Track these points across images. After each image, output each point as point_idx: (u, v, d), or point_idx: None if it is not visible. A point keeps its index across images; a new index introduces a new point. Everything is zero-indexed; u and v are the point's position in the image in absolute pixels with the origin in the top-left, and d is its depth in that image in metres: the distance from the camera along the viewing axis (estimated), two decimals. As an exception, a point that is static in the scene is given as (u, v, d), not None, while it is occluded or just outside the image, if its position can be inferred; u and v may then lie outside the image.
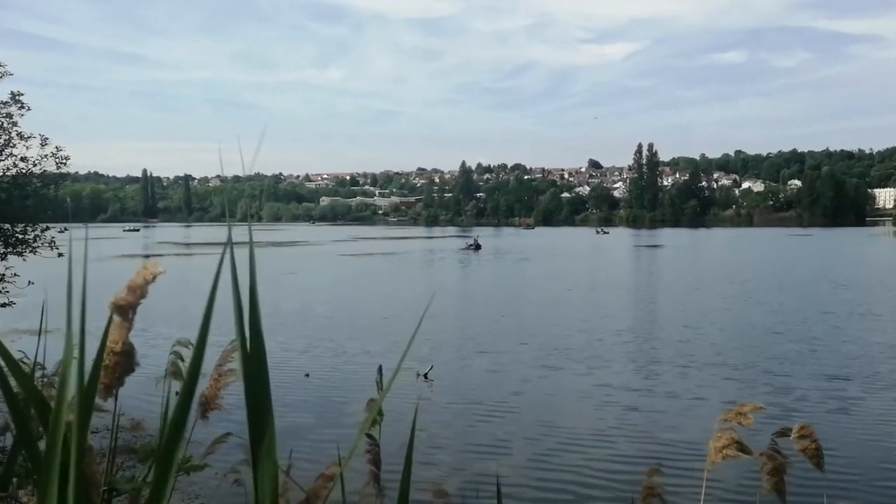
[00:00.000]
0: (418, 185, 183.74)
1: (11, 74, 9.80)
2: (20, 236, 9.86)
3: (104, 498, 1.52)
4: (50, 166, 9.99)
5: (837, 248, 52.94)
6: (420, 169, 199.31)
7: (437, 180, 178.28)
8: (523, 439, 9.00)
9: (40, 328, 1.60)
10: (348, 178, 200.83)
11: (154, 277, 0.87)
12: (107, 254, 42.11)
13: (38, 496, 0.75)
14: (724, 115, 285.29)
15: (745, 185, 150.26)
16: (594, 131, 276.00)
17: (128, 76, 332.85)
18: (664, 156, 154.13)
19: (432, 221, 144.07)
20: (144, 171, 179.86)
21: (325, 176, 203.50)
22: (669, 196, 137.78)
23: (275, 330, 15.91)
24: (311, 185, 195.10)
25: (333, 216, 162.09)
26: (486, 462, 8.11)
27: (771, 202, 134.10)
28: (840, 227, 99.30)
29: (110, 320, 0.86)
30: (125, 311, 0.86)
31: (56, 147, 10.00)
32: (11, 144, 9.78)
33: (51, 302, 1.56)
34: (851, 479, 7.52)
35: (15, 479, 1.65)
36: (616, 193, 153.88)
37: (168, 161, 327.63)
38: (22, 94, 9.72)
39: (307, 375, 12.35)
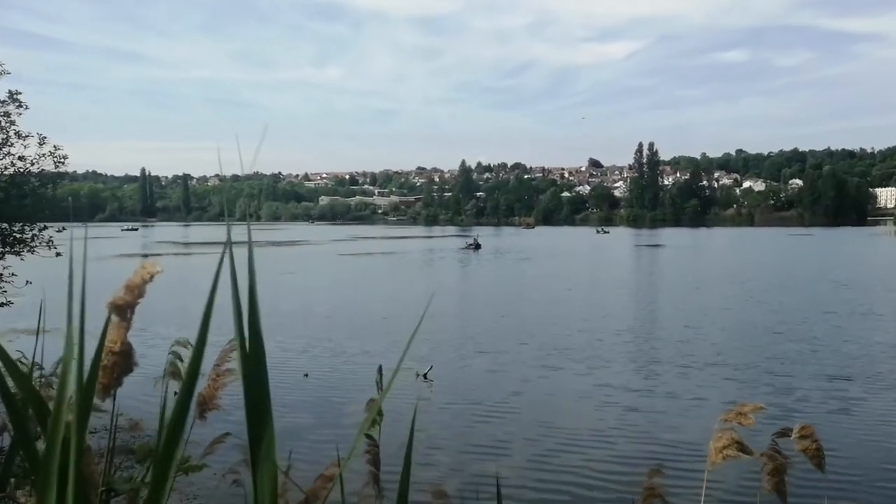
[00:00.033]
0: (418, 184, 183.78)
1: (9, 73, 9.78)
2: (18, 236, 9.83)
3: (102, 498, 1.52)
4: (48, 165, 9.98)
5: (839, 248, 52.89)
6: (420, 168, 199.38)
7: (436, 179, 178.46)
8: (523, 440, 8.97)
9: (38, 328, 1.58)
10: (347, 177, 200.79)
11: (152, 277, 0.87)
12: (105, 253, 42.10)
13: (37, 496, 0.75)
14: (726, 115, 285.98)
15: (746, 184, 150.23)
16: (594, 131, 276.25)
17: (126, 75, 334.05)
18: (665, 155, 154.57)
19: (432, 221, 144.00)
20: (143, 170, 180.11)
21: (325, 175, 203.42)
22: (670, 195, 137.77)
23: (274, 330, 15.87)
24: (310, 185, 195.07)
25: (332, 215, 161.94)
26: (485, 462, 8.07)
27: (772, 202, 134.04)
28: (841, 226, 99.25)
29: (108, 320, 0.86)
30: (123, 310, 0.86)
31: (54, 146, 9.99)
32: (9, 143, 9.76)
33: (49, 302, 1.58)
34: (853, 480, 7.49)
35: (13, 480, 1.64)
36: (616, 193, 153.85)
37: (166, 160, 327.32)
38: (20, 93, 9.69)
39: (306, 376, 12.32)
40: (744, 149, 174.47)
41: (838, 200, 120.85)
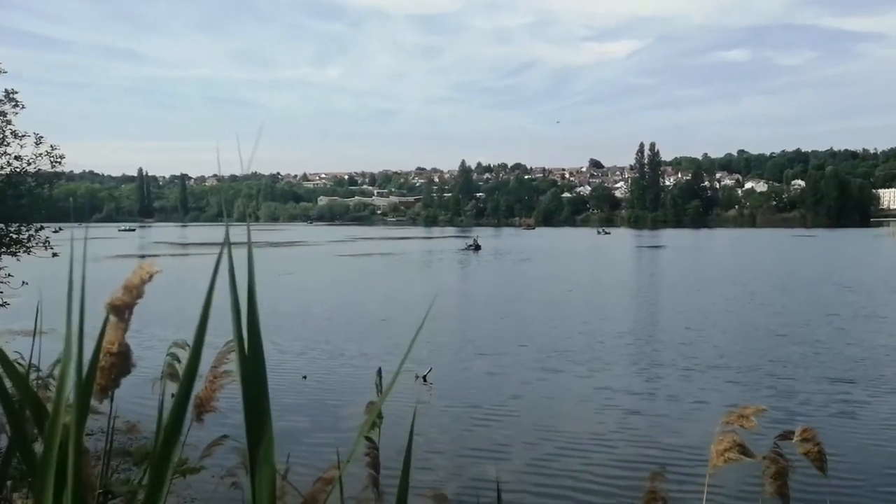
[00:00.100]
0: (417, 184, 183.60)
1: (5, 72, 9.73)
2: (14, 236, 9.77)
3: (99, 501, 1.51)
4: (44, 165, 9.93)
5: (841, 249, 52.77)
6: (419, 168, 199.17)
7: (436, 180, 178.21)
8: (523, 443, 8.91)
9: (35, 329, 1.56)
10: (346, 177, 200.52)
11: (150, 277, 0.87)
12: (102, 254, 42.08)
13: (34, 499, 0.74)
14: (727, 114, 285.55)
15: (748, 185, 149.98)
16: (595, 131, 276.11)
17: (125, 73, 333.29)
18: (666, 155, 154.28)
19: (431, 221, 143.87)
20: (140, 170, 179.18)
21: (323, 175, 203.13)
22: (671, 196, 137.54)
23: (272, 331, 15.79)
24: (309, 185, 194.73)
25: (331, 216, 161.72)
26: (485, 466, 8.01)
27: (774, 202, 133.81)
28: (844, 227, 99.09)
29: (106, 321, 0.85)
30: (121, 311, 0.85)
31: (51, 146, 9.94)
32: (5, 143, 9.70)
33: (46, 302, 1.56)
34: (856, 484, 7.43)
35: (9, 482, 1.61)
36: (617, 193, 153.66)
37: (164, 160, 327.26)
38: (16, 92, 9.64)
39: (305, 378, 12.25)
40: (746, 149, 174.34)
41: (841, 201, 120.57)
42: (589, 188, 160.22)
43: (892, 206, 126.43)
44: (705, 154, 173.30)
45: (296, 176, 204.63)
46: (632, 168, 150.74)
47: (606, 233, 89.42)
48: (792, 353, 14.22)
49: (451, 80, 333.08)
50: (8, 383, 0.84)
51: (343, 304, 22.57)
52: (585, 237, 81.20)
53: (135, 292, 0.85)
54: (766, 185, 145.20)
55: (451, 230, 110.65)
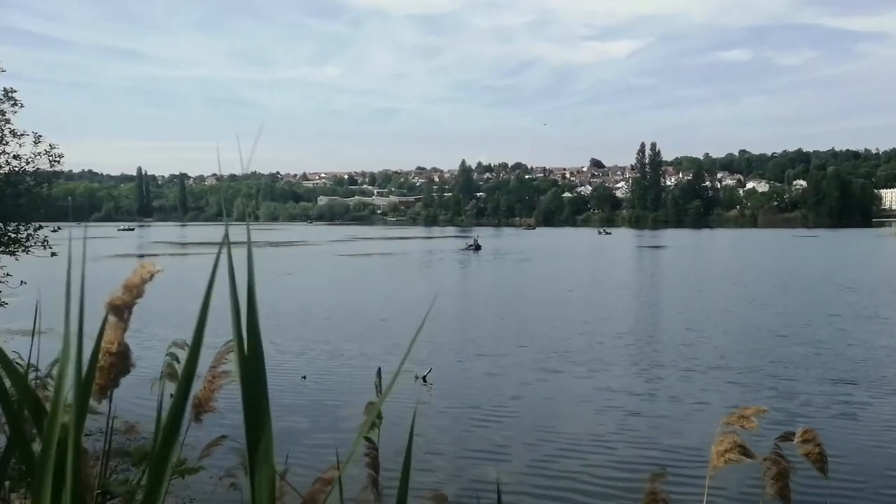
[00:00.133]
0: (417, 184, 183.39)
1: (4, 71, 9.70)
2: (13, 235, 9.74)
3: (98, 501, 1.51)
4: (43, 164, 9.89)
5: (843, 250, 52.70)
6: (419, 168, 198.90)
7: (436, 179, 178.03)
8: (523, 444, 8.88)
9: (34, 328, 1.55)
10: (346, 177, 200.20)
11: (152, 276, 0.86)
12: (101, 253, 42.09)
13: (32, 499, 0.74)
14: (728, 114, 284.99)
15: (750, 185, 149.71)
16: (596, 130, 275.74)
17: (125, 73, 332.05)
18: (667, 155, 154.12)
19: (431, 221, 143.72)
20: (139, 169, 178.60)
21: (323, 175, 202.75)
22: (672, 196, 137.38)
23: (271, 331, 15.75)
24: (309, 185, 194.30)
25: (331, 216, 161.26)
26: (485, 467, 7.98)
27: (775, 202, 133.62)
28: (846, 227, 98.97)
29: (105, 320, 0.84)
30: (121, 311, 0.85)
31: (50, 145, 9.90)
32: (4, 142, 9.67)
33: (45, 302, 1.55)
34: (857, 486, 7.40)
35: (7, 482, 1.59)
36: (618, 193, 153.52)
37: (163, 159, 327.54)
38: (15, 91, 9.61)
39: (304, 378, 12.22)
40: (747, 149, 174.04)
41: (843, 201, 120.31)
42: (590, 188, 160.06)
43: (893, 207, 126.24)
44: (706, 154, 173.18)
45: (295, 175, 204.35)
46: (633, 168, 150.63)
47: (607, 233, 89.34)
48: (793, 354, 14.17)
49: (451, 80, 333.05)
50: (7, 383, 0.83)
51: (343, 304, 22.54)
52: (586, 237, 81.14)
53: (135, 291, 0.84)
54: (767, 186, 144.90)
55: (451, 230, 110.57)
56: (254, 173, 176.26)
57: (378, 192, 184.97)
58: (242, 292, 0.72)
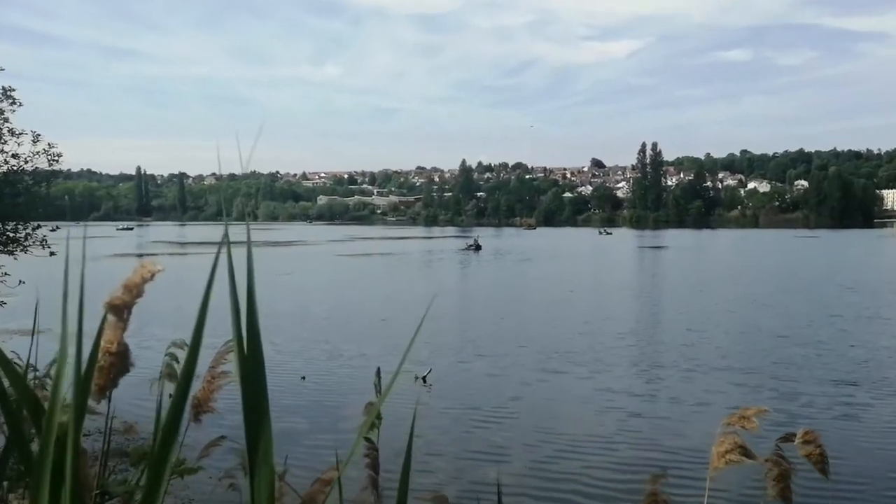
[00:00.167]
0: (417, 184, 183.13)
1: (2, 69, 9.65)
2: (11, 235, 9.71)
3: (96, 501, 1.51)
4: (42, 163, 9.86)
5: (845, 250, 52.61)
6: (419, 167, 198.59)
7: (436, 179, 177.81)
8: (523, 445, 8.85)
9: (34, 328, 1.56)
10: (346, 176, 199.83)
11: (152, 276, 0.86)
12: (100, 253, 42.07)
13: (30, 499, 0.75)
14: (728, 114, 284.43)
15: (751, 185, 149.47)
16: (596, 130, 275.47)
17: (123, 71, 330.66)
18: (668, 155, 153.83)
19: (431, 221, 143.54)
20: (138, 168, 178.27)
21: (323, 174, 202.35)
22: (673, 196, 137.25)
23: (270, 332, 15.72)
24: (308, 184, 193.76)
25: (331, 215, 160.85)
26: (485, 468, 7.96)
27: (777, 203, 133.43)
28: (847, 228, 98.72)
29: (104, 320, 0.84)
30: (120, 310, 0.85)
31: (48, 143, 9.87)
32: (2, 141, 9.63)
33: (44, 301, 1.56)
34: (858, 488, 7.38)
35: (6, 482, 1.61)
36: (619, 193, 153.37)
37: (162, 158, 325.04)
38: (13, 90, 9.58)
39: (303, 378, 12.18)
40: (748, 149, 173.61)
41: (844, 202, 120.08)
42: (590, 188, 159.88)
43: (895, 207, 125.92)
44: (708, 154, 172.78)
45: (295, 175, 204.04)
46: (634, 168, 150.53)
47: (608, 233, 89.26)
48: (794, 355, 14.12)
49: (451, 79, 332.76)
50: (5, 382, 0.83)
51: (342, 304, 22.51)
52: (587, 237, 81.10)
53: (135, 291, 0.84)
54: (768, 186, 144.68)
55: (451, 230, 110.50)
56: (253, 173, 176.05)
57: (378, 192, 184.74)
58: (242, 292, 0.72)
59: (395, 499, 1.02)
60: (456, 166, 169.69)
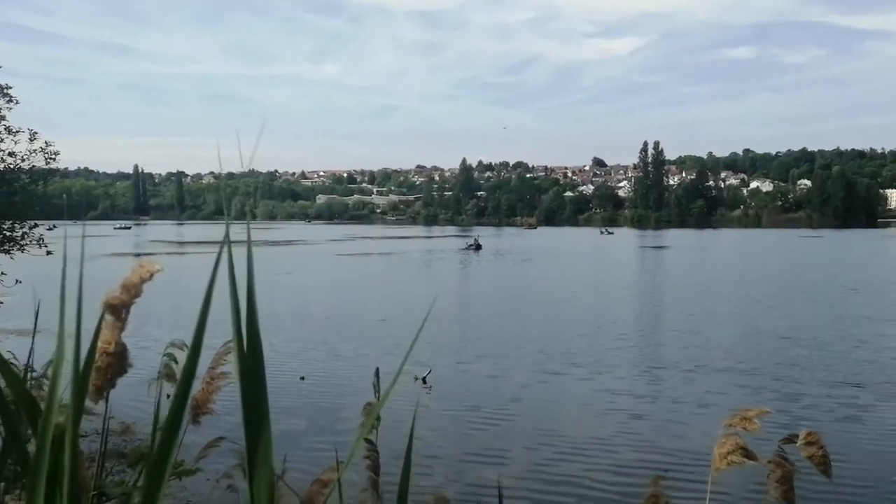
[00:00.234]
0: (417, 183, 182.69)
1: (0, 66, 9.61)
2: (8, 234, 9.67)
3: (93, 503, 1.50)
4: (39, 162, 9.82)
5: (848, 250, 52.48)
6: (419, 166, 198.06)
7: (436, 178, 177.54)
8: (524, 447, 8.80)
9: (34, 328, 1.55)
10: (345, 175, 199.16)
11: (151, 276, 0.85)
12: (97, 252, 42.11)
13: (27, 500, 0.74)
14: (732, 112, 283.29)
15: (754, 184, 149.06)
16: (598, 129, 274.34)
17: (120, 69, 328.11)
18: (670, 154, 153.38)
19: (432, 221, 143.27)
20: (136, 167, 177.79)
21: (322, 173, 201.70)
22: (676, 196, 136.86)
23: (269, 332, 15.65)
24: (308, 183, 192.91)
25: (330, 215, 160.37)
26: (486, 470, 7.91)
27: (780, 202, 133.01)
28: (851, 228, 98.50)
29: (101, 320, 0.84)
30: (118, 310, 0.84)
31: (45, 142, 9.83)
32: (-1, 139, 9.58)
33: (42, 301, 1.55)
34: (861, 490, 7.32)
35: (2, 483, 1.60)
36: (621, 193, 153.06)
37: (160, 157, 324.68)
38: (10, 87, 9.53)
39: (302, 379, 12.13)
40: (751, 148, 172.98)
41: (848, 202, 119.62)
42: (592, 187, 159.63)
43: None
44: (710, 153, 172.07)
45: (294, 174, 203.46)
46: (635, 167, 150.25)
47: (609, 232, 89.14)
48: (797, 356, 14.05)
49: (451, 77, 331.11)
50: (2, 383, 0.83)
51: (342, 304, 22.47)
52: (588, 237, 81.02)
53: (133, 291, 0.84)
54: (771, 185, 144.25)
55: (451, 229, 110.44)
56: (252, 171, 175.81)
57: (377, 191, 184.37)
58: (242, 292, 0.71)
59: (394, 500, 1.01)
60: (456, 165, 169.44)
